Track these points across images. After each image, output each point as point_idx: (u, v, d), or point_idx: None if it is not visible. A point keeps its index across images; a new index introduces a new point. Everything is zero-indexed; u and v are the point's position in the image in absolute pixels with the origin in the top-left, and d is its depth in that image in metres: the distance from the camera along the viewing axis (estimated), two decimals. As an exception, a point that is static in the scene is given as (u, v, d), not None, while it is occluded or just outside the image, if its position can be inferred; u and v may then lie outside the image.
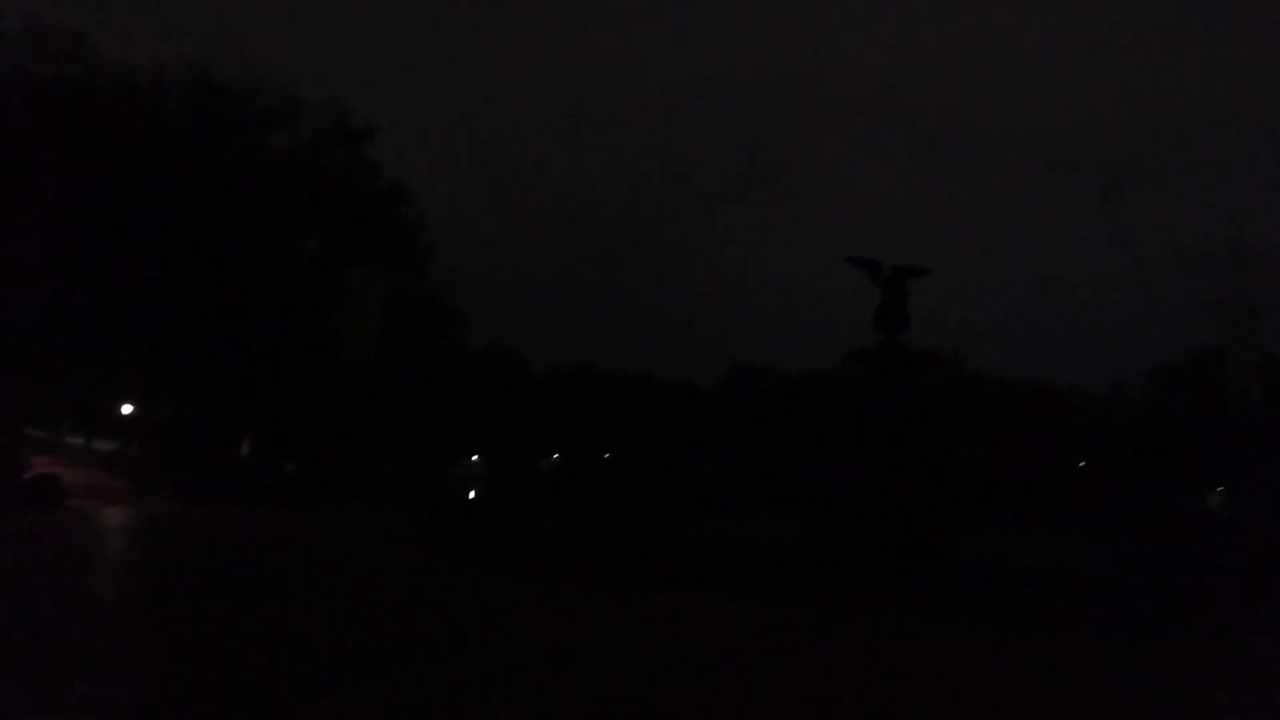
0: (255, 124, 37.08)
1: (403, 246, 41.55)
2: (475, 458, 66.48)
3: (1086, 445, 59.48)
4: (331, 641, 10.37)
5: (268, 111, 37.19)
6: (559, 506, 41.84)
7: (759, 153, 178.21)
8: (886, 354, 22.21)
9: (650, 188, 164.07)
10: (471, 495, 50.51)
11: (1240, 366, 29.94)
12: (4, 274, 27.91)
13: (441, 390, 47.82)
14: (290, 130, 38.33)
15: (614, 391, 76.28)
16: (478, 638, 10.92)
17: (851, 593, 15.20)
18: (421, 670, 8.93)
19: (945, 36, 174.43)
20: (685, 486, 59.36)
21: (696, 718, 7.83)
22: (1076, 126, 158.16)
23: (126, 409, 35.18)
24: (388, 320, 41.10)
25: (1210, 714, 8.51)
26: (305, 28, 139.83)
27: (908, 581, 15.88)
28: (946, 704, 8.52)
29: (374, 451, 45.80)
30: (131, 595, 14.27)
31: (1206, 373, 46.71)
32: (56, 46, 29.91)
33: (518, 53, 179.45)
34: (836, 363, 29.30)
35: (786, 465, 53.64)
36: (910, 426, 22.39)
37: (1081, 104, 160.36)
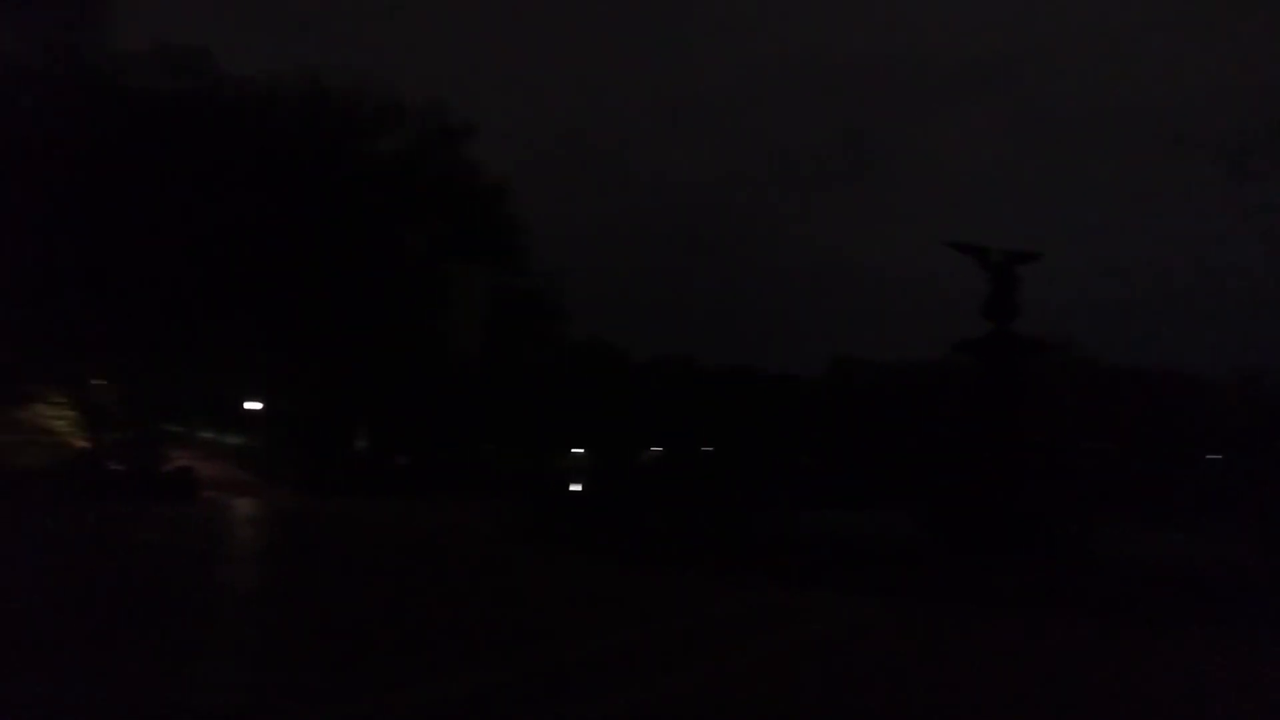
0: (363, 128, 38.60)
1: (504, 243, 42.52)
2: (577, 450, 67.38)
3: (1219, 435, 56.01)
4: (440, 628, 10.76)
5: (374, 116, 38.66)
6: (661, 499, 41.96)
7: (859, 136, 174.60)
8: (996, 343, 21.45)
9: (748, 176, 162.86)
10: (575, 487, 51.18)
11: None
12: (142, 283, 29.83)
13: (544, 384, 48.72)
14: (395, 133, 39.75)
15: (715, 383, 76.11)
16: (579, 628, 11.10)
17: (960, 590, 14.80)
18: (525, 658, 9.13)
19: (1054, 9, 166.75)
20: (788, 479, 58.61)
21: (795, 714, 7.79)
22: (1199, 98, 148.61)
23: (254, 405, 37.19)
24: (491, 316, 42.28)
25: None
26: (405, 31, 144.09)
27: (1021, 579, 15.36)
28: (1057, 707, 8.23)
29: (481, 444, 47.09)
30: (258, 580, 15.15)
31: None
32: (182, 63, 31.89)
33: (611, 44, 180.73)
34: (943, 353, 28.40)
35: (892, 458, 52.42)
36: (1023, 417, 21.57)
37: (1204, 74, 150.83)
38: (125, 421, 33.31)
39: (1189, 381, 61.47)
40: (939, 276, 74.81)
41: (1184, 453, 55.84)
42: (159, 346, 31.78)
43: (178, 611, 11.34)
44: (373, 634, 10.17)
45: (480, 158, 42.20)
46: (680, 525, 25.17)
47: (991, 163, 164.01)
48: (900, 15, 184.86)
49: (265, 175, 32.69)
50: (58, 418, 31.33)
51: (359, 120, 38.24)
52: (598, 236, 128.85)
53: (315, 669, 8.40)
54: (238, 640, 10.00)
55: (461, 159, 40.76)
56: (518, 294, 44.73)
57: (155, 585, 13.42)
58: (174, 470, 31.87)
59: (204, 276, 31.77)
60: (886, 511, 25.72)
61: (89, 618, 10.58)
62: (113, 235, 28.62)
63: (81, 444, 31.72)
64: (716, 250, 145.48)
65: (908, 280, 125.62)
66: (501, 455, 49.16)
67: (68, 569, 14.83)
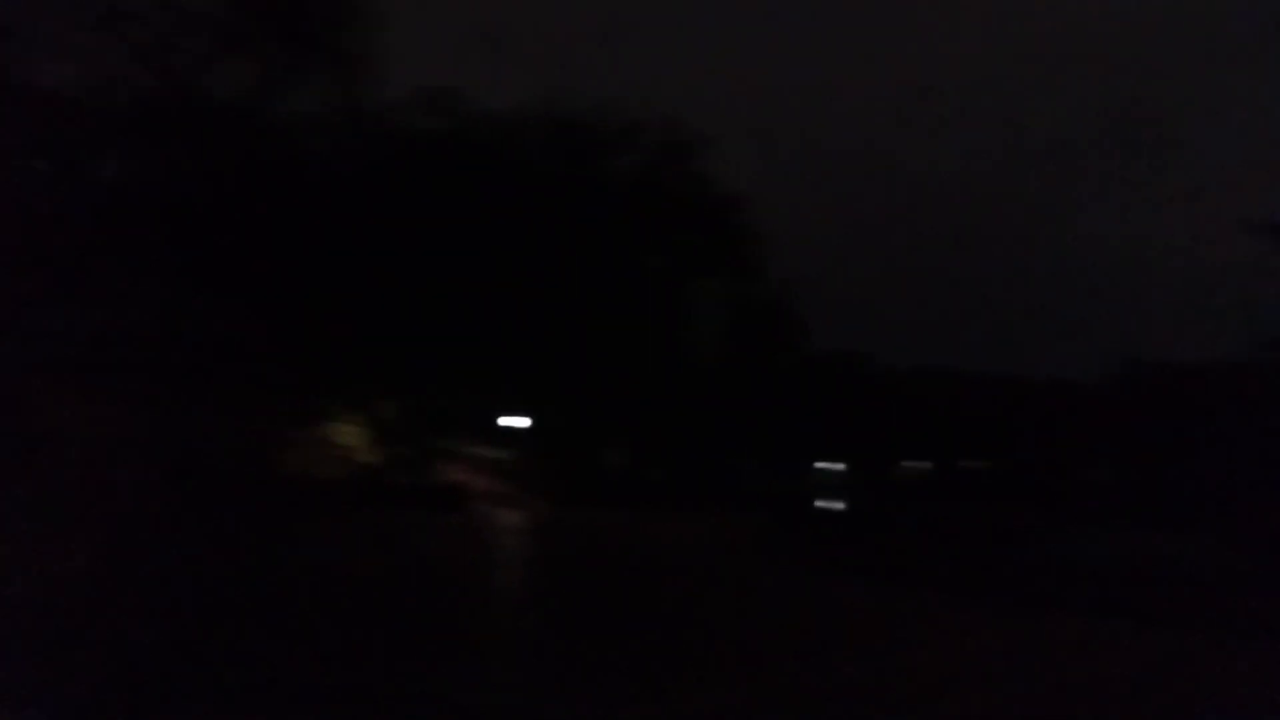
0: (601, 150, 40.02)
1: (741, 255, 42.30)
2: (824, 464, 65.55)
3: None
4: (702, 640, 10.60)
5: (611, 137, 39.96)
6: (922, 516, 39.70)
7: (1140, 109, 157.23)
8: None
9: (1009, 163, 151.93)
10: (821, 504, 49.73)
11: None
12: (414, 312, 32.55)
13: (786, 395, 47.90)
14: (632, 153, 40.87)
15: (980, 393, 71.33)
16: (843, 652, 10.47)
17: (1274, 624, 12.34)
18: (783, 676, 8.73)
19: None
20: (1071, 496, 53.72)
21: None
22: None
23: (515, 421, 39.47)
24: (732, 328, 42.25)
25: None
26: (641, 52, 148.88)
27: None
28: None
29: (729, 458, 47.00)
30: (524, 587, 15.72)
31: None
32: (438, 104, 34.80)
33: (846, 36, 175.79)
34: (1253, 351, 24.29)
35: (1192, 472, 46.17)
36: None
37: None
38: (405, 437, 36.43)
39: None
40: (1245, 263, 65.04)
41: None
42: (429, 367, 34.51)
43: (454, 614, 11.94)
44: (635, 644, 10.29)
45: (719, 169, 42.34)
46: (945, 545, 23.49)
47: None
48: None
49: (514, 204, 34.71)
50: (348, 434, 34.83)
51: (597, 143, 39.70)
52: (846, 241, 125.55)
53: (586, 674, 8.59)
54: (509, 643, 10.36)
55: (696, 173, 41.12)
56: (757, 305, 44.39)
57: (433, 589, 14.27)
58: (445, 483, 34.39)
59: (470, 302, 34.16)
60: (1188, 532, 22.56)
61: (374, 616, 11.33)
62: (391, 269, 31.38)
63: (366, 458, 35.04)
64: (978, 248, 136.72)
65: (1207, 270, 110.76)
66: (747, 469, 48.82)
67: (356, 574, 16.12)
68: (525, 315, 36.45)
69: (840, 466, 65.45)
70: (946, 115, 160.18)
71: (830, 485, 60.87)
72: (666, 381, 40.99)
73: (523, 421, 39.11)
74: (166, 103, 26.89)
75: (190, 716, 6.70)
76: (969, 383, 72.78)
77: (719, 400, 43.44)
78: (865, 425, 61.15)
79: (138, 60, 26.28)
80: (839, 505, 50.46)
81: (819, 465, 63.30)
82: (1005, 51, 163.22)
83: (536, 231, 36.28)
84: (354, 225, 29.90)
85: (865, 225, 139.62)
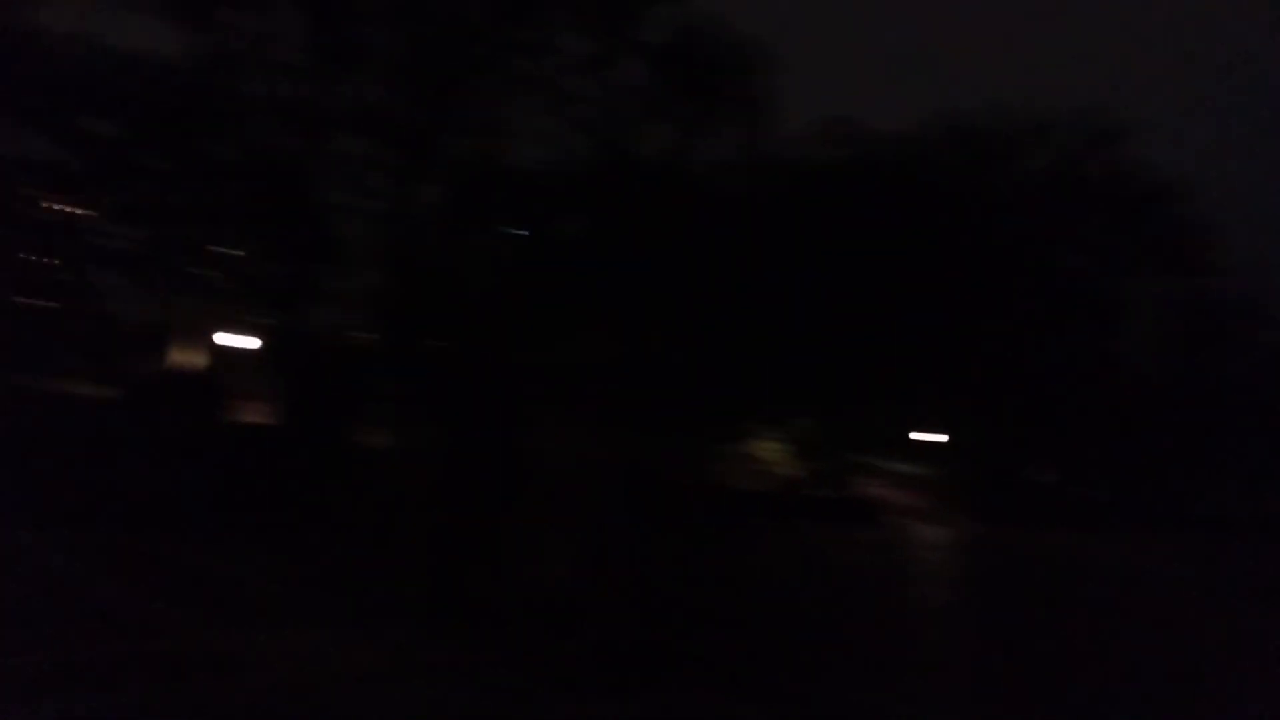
0: (1010, 152, 38.09)
1: (1183, 247, 37.52)
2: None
3: None
4: (1163, 683, 9.95)
5: (1021, 137, 37.87)
6: None
7: None
8: None
9: None
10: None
11: None
12: (830, 333, 33.97)
13: (1260, 403, 41.16)
14: (1046, 150, 38.35)
15: None
16: None
17: None
18: None
19: None
20: None
21: None
22: None
23: (929, 436, 38.95)
24: (1177, 329, 37.37)
25: None
26: (1038, 45, 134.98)
27: None
28: None
29: (1184, 476, 41.61)
30: (949, 604, 15.80)
31: None
32: (836, 133, 36.01)
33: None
34: None
35: None
36: None
37: None
38: (822, 452, 37.82)
39: None
40: None
41: None
42: (853, 385, 35.73)
43: (884, 629, 12.40)
44: (1076, 680, 9.84)
45: (1162, 157, 38.07)
46: None
47: None
48: None
49: (921, 221, 34.55)
50: (769, 449, 37.12)
51: (1004, 147, 37.90)
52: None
53: (1025, 699, 8.53)
54: (940, 661, 10.48)
55: (1121, 163, 37.26)
56: (1209, 302, 38.85)
57: (857, 601, 14.99)
58: (860, 497, 35.17)
59: (884, 320, 34.89)
60: None
61: (803, 620, 12.30)
62: (806, 295, 33.12)
63: (785, 472, 37.01)
64: None
65: None
66: (1208, 488, 42.63)
67: (783, 581, 17.40)
68: (940, 330, 36.05)
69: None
70: None
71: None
72: (1100, 391, 37.64)
73: (940, 436, 38.39)
74: (605, 167, 31.48)
75: (655, 696, 7.75)
76: None
77: (1169, 410, 38.72)
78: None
79: (582, 134, 31.13)
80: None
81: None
82: None
83: (946, 245, 35.76)
84: (769, 257, 32.19)
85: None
